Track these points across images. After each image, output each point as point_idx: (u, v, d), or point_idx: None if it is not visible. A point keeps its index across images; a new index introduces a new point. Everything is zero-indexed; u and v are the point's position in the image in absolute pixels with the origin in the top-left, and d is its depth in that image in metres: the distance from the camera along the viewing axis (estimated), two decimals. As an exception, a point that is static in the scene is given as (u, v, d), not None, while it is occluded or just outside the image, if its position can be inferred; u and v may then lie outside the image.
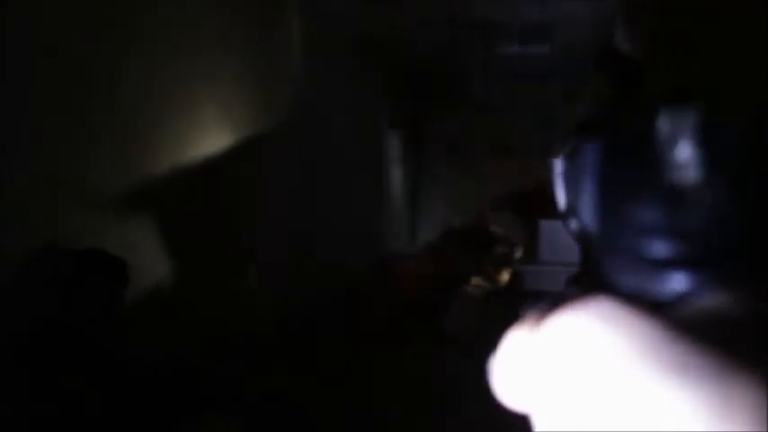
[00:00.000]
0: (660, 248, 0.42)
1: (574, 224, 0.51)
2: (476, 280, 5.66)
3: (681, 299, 0.40)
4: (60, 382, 2.89)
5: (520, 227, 4.53)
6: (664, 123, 0.41)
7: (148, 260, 3.87)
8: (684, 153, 0.40)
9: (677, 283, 0.41)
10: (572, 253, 2.81)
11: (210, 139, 4.51)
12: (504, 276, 5.75)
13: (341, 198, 7.20)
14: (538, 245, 3.43)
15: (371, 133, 8.52)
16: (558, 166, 0.55)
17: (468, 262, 6.51)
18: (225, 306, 4.68)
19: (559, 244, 3.14)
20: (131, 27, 3.69)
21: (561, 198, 0.55)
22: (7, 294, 2.86)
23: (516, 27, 7.39)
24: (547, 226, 3.21)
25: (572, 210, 0.51)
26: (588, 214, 0.47)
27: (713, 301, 0.36)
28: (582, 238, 0.50)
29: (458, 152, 11.08)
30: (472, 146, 11.05)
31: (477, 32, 7.44)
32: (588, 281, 0.50)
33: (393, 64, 9.29)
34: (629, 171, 0.42)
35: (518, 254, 5.22)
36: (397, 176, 9.62)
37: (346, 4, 6.36)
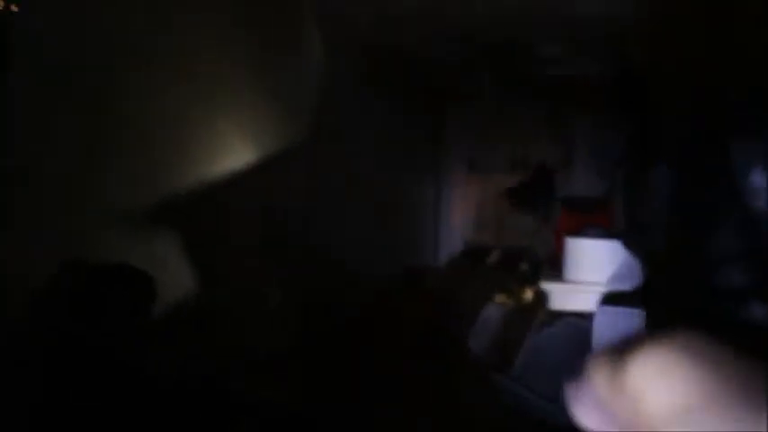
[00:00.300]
0: (738, 276, 0.41)
1: (639, 244, 0.51)
2: (500, 297, 5.63)
3: (760, 327, 0.39)
4: (86, 399, 2.90)
5: (543, 208, 4.45)
6: (738, 152, 0.40)
7: (175, 275, 3.89)
8: (759, 181, 0.40)
9: (756, 310, 0.40)
10: (597, 272, 2.79)
11: (233, 154, 4.53)
12: (528, 294, 5.72)
13: (361, 214, 7.20)
14: (563, 263, 3.40)
15: (391, 150, 8.52)
16: (618, 182, 0.54)
17: (488, 279, 6.51)
18: (251, 320, 4.69)
19: (585, 263, 3.12)
20: (149, 46, 3.73)
21: (622, 216, 0.55)
22: (33, 310, 2.88)
23: (534, 44, 7.40)
24: (573, 244, 3.19)
25: (639, 230, 0.50)
26: (660, 238, 0.46)
27: None
28: (649, 259, 0.49)
29: (476, 167, 11.08)
30: (490, 161, 11.03)
31: (494, 50, 7.45)
32: (655, 304, 0.50)
33: (411, 81, 9.32)
34: (706, 199, 0.42)
35: (542, 271, 5.19)
36: (416, 192, 9.61)
37: (364, 22, 6.38)
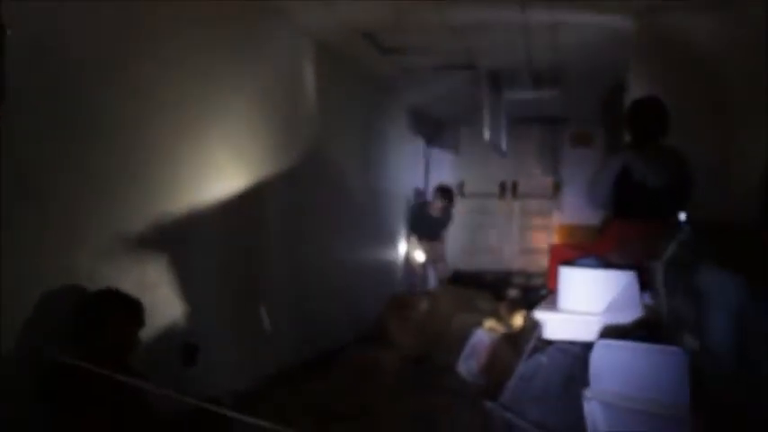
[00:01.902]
0: None
1: (690, 341, 0.51)
2: (489, 323, 5.63)
3: None
4: (79, 420, 2.87)
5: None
6: None
7: (166, 300, 3.87)
8: None
9: None
10: (591, 302, 2.79)
11: (226, 180, 4.53)
12: (518, 320, 5.72)
13: (355, 237, 7.21)
14: (556, 292, 3.40)
15: (385, 173, 8.56)
16: (661, 271, 0.55)
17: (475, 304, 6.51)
18: (243, 346, 4.67)
19: (578, 292, 3.11)
20: (144, 76, 3.74)
21: (665, 305, 0.55)
22: (26, 334, 2.86)
23: (530, 72, 7.47)
24: (566, 274, 3.18)
25: (688, 326, 0.50)
26: (721, 347, 0.46)
27: None
28: (706, 358, 0.49)
29: (467, 191, 11.14)
30: (483, 186, 11.09)
31: (491, 78, 7.52)
32: (708, 404, 0.50)
33: (409, 108, 9.37)
34: None
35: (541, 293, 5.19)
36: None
37: (364, 50, 6.43)
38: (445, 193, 9.14)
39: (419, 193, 9.97)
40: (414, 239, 9.18)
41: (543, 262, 5.49)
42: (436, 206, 9.00)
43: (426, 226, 9.17)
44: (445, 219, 9.32)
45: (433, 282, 9.24)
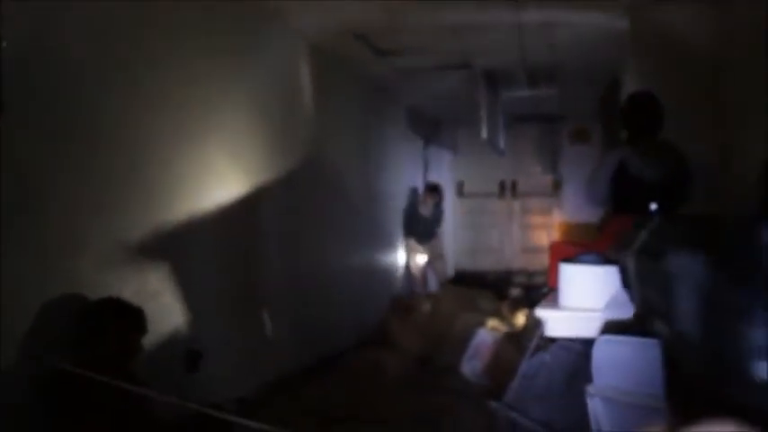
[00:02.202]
0: None
1: (661, 327, 0.50)
2: (492, 322, 5.63)
3: None
4: (80, 427, 2.88)
5: None
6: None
7: (167, 308, 3.87)
8: None
9: None
10: (592, 299, 2.78)
11: (224, 186, 4.53)
12: (520, 319, 5.73)
13: (354, 240, 7.21)
14: (557, 289, 3.39)
15: (383, 177, 8.56)
16: (632, 261, 0.54)
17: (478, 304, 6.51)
18: (244, 352, 4.67)
19: (579, 289, 3.11)
20: (141, 82, 3.75)
21: (638, 295, 0.55)
22: (28, 342, 2.86)
23: (526, 70, 7.48)
24: (567, 270, 3.18)
25: (659, 313, 0.50)
26: (687, 327, 0.46)
27: None
28: (675, 343, 0.49)
29: (466, 191, 11.15)
30: (482, 185, 11.10)
31: (487, 77, 7.52)
32: (682, 390, 0.49)
33: (406, 109, 9.38)
34: (739, 289, 0.42)
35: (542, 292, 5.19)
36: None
37: (360, 52, 6.43)
38: (433, 190, 9.34)
39: (414, 192, 9.94)
40: (411, 242, 9.17)
41: (544, 260, 5.49)
42: (426, 204, 9.16)
43: (420, 226, 9.30)
44: (437, 216, 9.48)
45: (433, 284, 9.32)
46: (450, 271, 10.58)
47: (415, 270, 9.16)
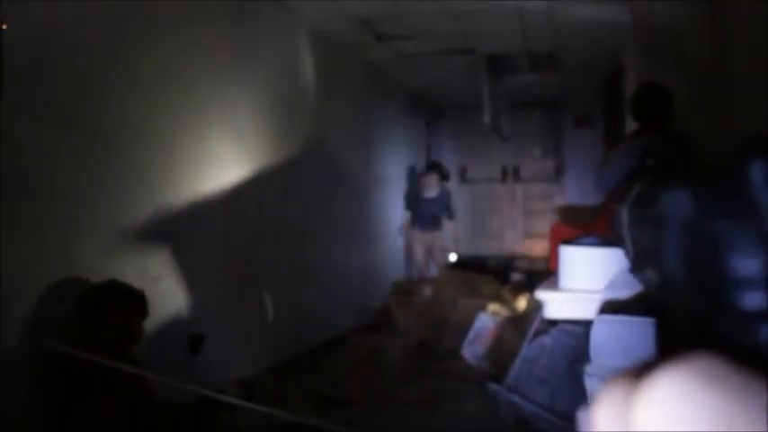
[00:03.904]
0: (756, 299, 0.41)
1: (651, 274, 0.50)
2: (493, 306, 5.63)
3: None
4: (83, 410, 2.89)
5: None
6: (755, 170, 0.41)
7: (169, 291, 3.89)
8: None
9: None
10: (592, 280, 2.77)
11: (226, 170, 4.54)
12: (522, 303, 5.73)
13: (357, 224, 7.22)
14: (557, 271, 3.39)
15: (388, 157, 8.56)
16: (625, 214, 0.54)
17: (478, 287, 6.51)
18: (245, 335, 4.69)
19: (579, 271, 3.11)
20: (143, 67, 3.75)
21: (631, 247, 0.55)
22: (30, 327, 2.88)
23: (527, 56, 7.47)
24: (567, 252, 3.18)
25: (650, 259, 0.50)
26: (674, 265, 0.46)
27: None
28: (663, 286, 0.49)
29: (469, 176, 11.14)
30: (484, 170, 11.09)
31: (490, 62, 7.51)
32: (672, 328, 0.49)
33: (408, 94, 9.37)
34: (722, 222, 0.42)
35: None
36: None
37: (362, 37, 6.43)
38: (436, 168, 8.69)
39: (412, 171, 9.46)
40: (414, 230, 8.65)
41: (547, 246, 5.49)
42: (429, 184, 8.48)
43: (422, 209, 8.61)
44: (442, 199, 8.64)
45: (433, 270, 8.81)
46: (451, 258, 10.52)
47: (416, 255, 8.70)
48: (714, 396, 0.35)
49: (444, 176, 8.78)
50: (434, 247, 8.67)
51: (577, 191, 10.12)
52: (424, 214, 8.63)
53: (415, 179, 9.19)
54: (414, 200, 8.73)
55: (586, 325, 2.88)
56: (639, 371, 0.38)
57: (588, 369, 2.34)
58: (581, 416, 0.41)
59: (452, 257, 9.22)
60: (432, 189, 8.53)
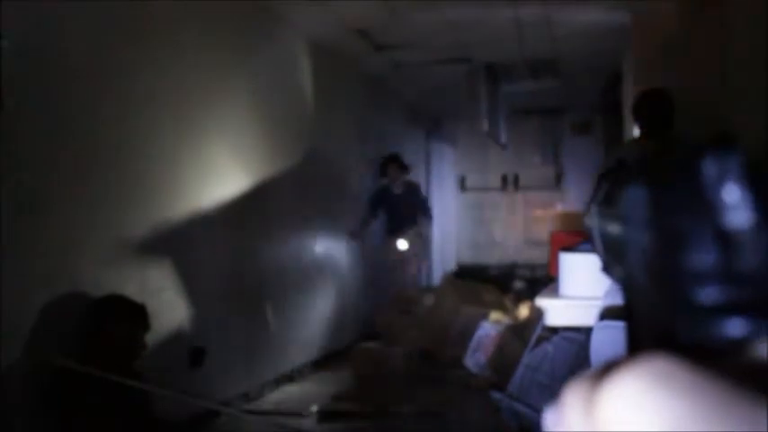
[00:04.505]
0: (714, 294, 0.42)
1: (618, 271, 0.51)
2: (495, 314, 5.64)
3: (737, 345, 0.40)
4: (85, 424, 2.90)
5: None
6: (710, 166, 0.41)
7: (170, 304, 3.89)
8: (732, 195, 0.40)
9: (733, 329, 0.40)
10: (592, 287, 2.78)
11: (226, 183, 4.55)
12: (523, 311, 5.73)
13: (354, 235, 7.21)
14: (557, 279, 3.40)
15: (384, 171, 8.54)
16: (594, 211, 0.55)
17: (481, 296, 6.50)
18: (247, 348, 4.69)
19: (579, 278, 3.11)
20: (142, 79, 3.76)
21: (600, 245, 0.56)
22: (32, 341, 2.88)
23: (527, 63, 7.48)
24: (566, 259, 3.19)
25: (616, 256, 0.51)
26: (636, 261, 0.46)
27: None
28: (628, 284, 0.49)
29: (469, 185, 11.15)
30: (484, 179, 11.10)
31: (487, 70, 7.53)
32: (637, 327, 0.50)
33: (407, 103, 9.38)
34: (679, 217, 0.42)
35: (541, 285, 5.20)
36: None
37: (360, 47, 6.45)
38: (393, 160, 7.46)
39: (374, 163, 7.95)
40: (387, 240, 7.52)
41: (547, 253, 5.49)
42: (393, 179, 7.33)
43: (391, 210, 7.40)
44: (409, 197, 7.41)
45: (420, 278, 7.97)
46: (449, 267, 10.46)
47: (392, 263, 7.44)
48: (662, 396, 0.36)
49: (404, 167, 7.55)
50: (408, 255, 7.42)
51: (577, 198, 10.12)
52: (392, 216, 7.46)
53: (377, 174, 7.68)
54: (379, 201, 7.43)
55: (587, 331, 2.88)
56: (602, 371, 0.39)
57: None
58: (548, 416, 0.42)
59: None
60: (396, 185, 7.37)
